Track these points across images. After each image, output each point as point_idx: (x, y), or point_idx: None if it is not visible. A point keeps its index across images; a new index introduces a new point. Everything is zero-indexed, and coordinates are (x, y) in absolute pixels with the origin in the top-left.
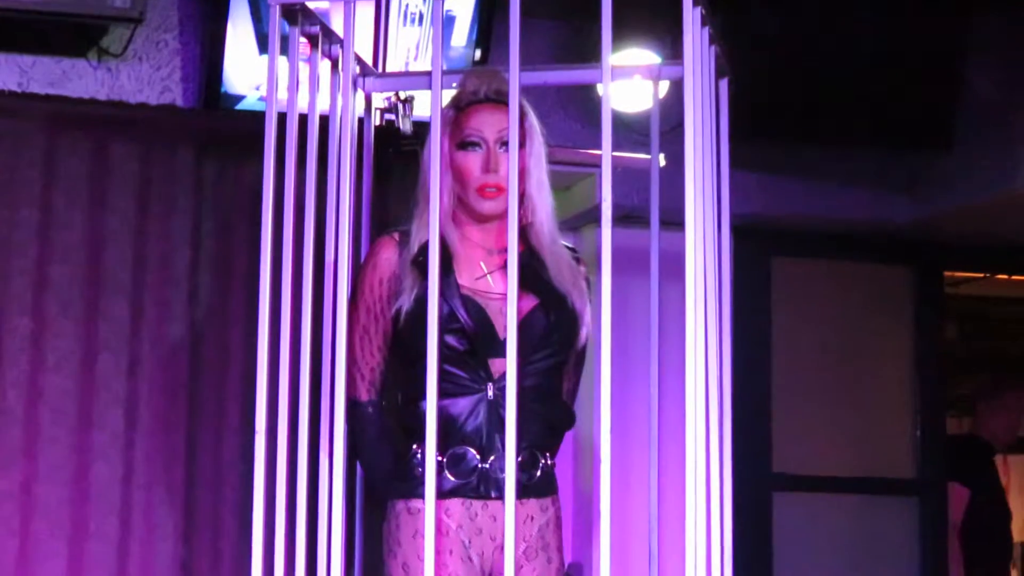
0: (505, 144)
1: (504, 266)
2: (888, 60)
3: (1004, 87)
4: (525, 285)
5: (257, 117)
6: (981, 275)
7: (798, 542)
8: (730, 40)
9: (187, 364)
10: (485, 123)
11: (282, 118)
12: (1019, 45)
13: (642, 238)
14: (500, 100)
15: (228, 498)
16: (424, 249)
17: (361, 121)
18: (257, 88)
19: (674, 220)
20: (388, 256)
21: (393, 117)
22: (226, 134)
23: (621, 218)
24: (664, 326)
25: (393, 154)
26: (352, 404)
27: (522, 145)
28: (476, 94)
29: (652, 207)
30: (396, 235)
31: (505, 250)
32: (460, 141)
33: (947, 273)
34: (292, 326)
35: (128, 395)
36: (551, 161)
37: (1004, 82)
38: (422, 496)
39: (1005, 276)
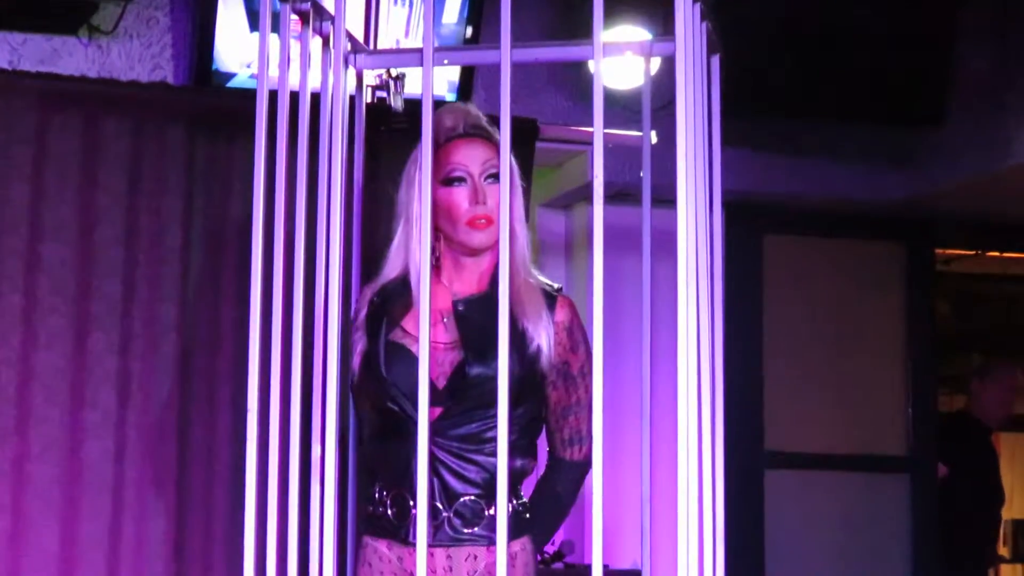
0: (490, 177)
1: (450, 315)
2: (880, 36)
3: (996, 63)
4: (462, 336)
5: (248, 94)
6: (972, 253)
7: (790, 519)
8: (722, 16)
9: (179, 342)
10: (468, 157)
11: (273, 95)
12: (1010, 20)
13: (633, 216)
14: (479, 134)
15: (220, 475)
16: (382, 291)
17: (352, 98)
18: (248, 65)
19: (665, 197)
20: (358, 307)
21: (384, 94)
22: (217, 112)
23: (612, 196)
24: (656, 304)
25: (384, 131)
26: None
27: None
28: (455, 129)
29: (644, 184)
30: (377, 287)
31: (464, 301)
32: (444, 177)
33: (939, 251)
34: (284, 305)
35: (120, 373)
36: (542, 138)
37: (996, 58)
38: (370, 533)
39: (996, 254)
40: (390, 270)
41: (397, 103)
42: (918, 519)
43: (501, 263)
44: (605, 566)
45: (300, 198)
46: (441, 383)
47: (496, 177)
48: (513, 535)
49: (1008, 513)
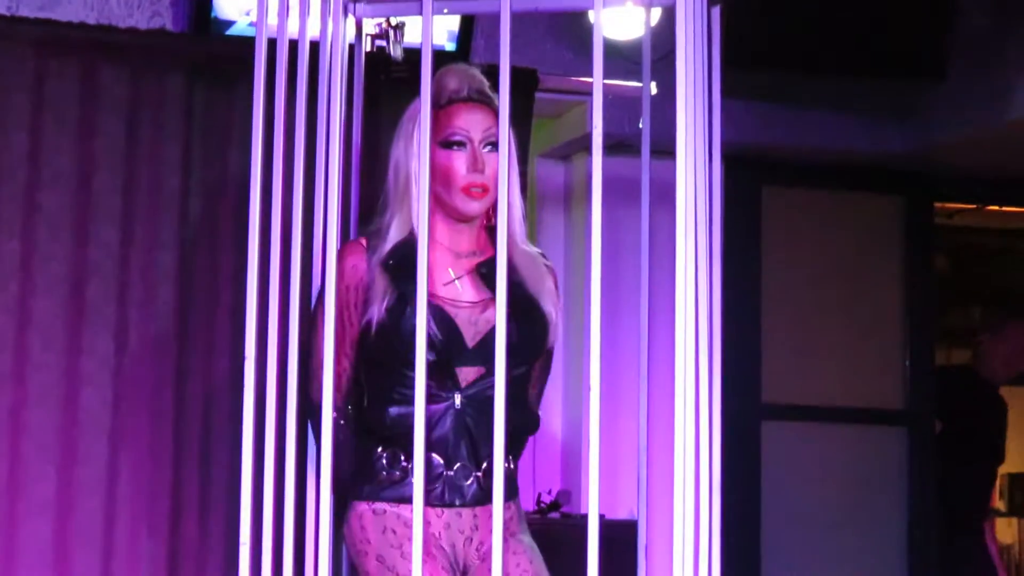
0: (489, 145)
1: (473, 271)
2: None
3: (997, 16)
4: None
5: (247, 43)
6: (973, 206)
7: (787, 471)
8: None
9: (177, 290)
10: (469, 122)
11: (272, 44)
12: None
13: (632, 167)
14: (482, 100)
15: (218, 423)
16: (394, 253)
17: (351, 47)
18: (247, 13)
19: (665, 149)
20: (355, 263)
21: (384, 43)
22: (216, 60)
23: (612, 147)
24: (654, 255)
25: (384, 80)
26: (315, 407)
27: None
28: (459, 92)
29: (643, 135)
30: (363, 240)
31: (474, 253)
32: (444, 140)
33: (938, 205)
34: (282, 253)
35: (118, 320)
36: (542, 89)
37: (997, 11)
38: (387, 499)
39: (996, 207)
40: (396, 232)
41: (396, 52)
42: (914, 472)
43: (499, 230)
44: (601, 516)
45: (299, 147)
46: (473, 343)
47: (495, 146)
48: (511, 495)
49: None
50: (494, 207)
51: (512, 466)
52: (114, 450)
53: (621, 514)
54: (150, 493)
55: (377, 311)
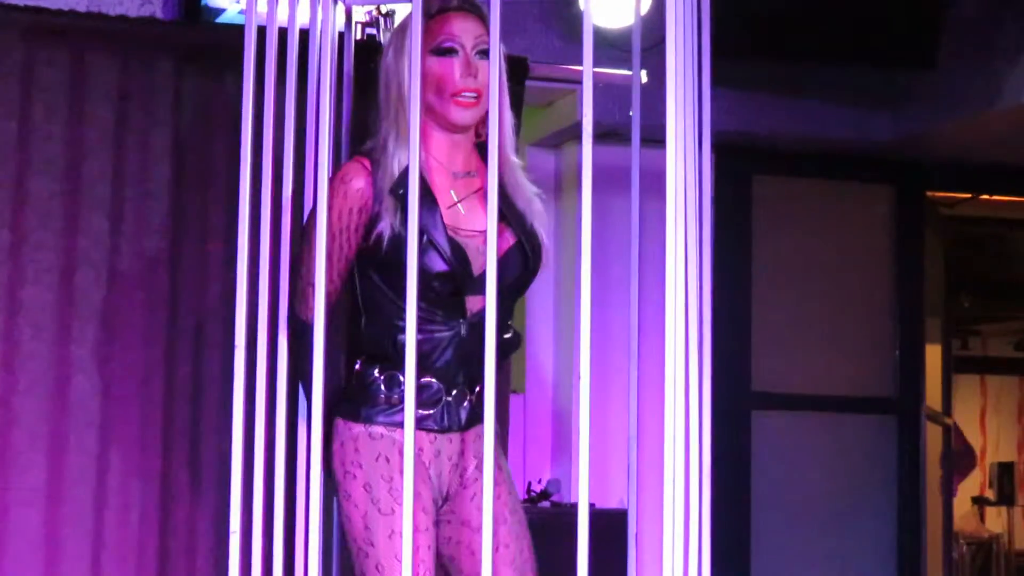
0: (480, 52)
1: (473, 193)
2: None
3: (987, 6)
4: (502, 218)
5: (237, 30)
6: (969, 196)
7: (777, 460)
8: None
9: (167, 278)
10: (462, 29)
11: (261, 32)
12: None
13: (621, 155)
14: (471, 10)
15: (207, 412)
16: (403, 180)
17: (341, 35)
18: (237, 1)
19: (655, 137)
20: (360, 188)
21: (374, 31)
22: (206, 47)
23: (601, 135)
24: (644, 244)
25: (373, 69)
26: (302, 325)
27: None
28: (449, 1)
29: (634, 124)
30: (366, 162)
31: (470, 174)
32: (435, 47)
33: (938, 194)
34: (272, 241)
35: (107, 309)
36: (532, 77)
37: (987, 1)
38: (384, 423)
39: (987, 196)
40: (395, 148)
41: (386, 40)
42: (904, 461)
43: (490, 165)
44: (591, 505)
45: (288, 135)
46: (479, 271)
47: (486, 54)
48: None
49: (993, 456)
50: (484, 120)
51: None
52: (104, 438)
53: (611, 503)
54: (140, 481)
55: (388, 226)
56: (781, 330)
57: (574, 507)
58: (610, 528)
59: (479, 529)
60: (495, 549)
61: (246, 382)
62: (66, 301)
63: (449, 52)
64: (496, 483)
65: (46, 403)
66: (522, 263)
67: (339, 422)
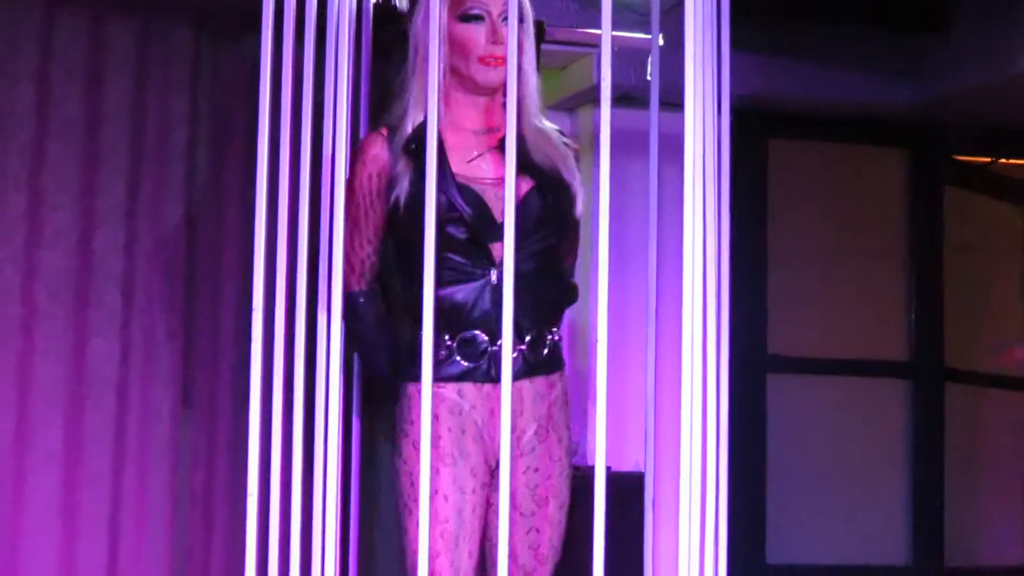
0: (506, 18)
1: (495, 147)
2: None
3: None
4: (520, 167)
5: None
6: (988, 160)
7: (792, 423)
8: None
9: (184, 243)
10: None
11: None
12: None
13: (638, 119)
14: None
15: (224, 376)
16: (416, 136)
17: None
18: None
19: (673, 101)
20: (376, 152)
21: None
22: (224, 12)
23: (619, 99)
24: (662, 208)
25: (392, 32)
26: (346, 296)
27: (521, 20)
28: None
29: (652, 87)
30: (383, 130)
31: (494, 130)
32: (462, 13)
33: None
34: (289, 205)
35: (125, 273)
36: (549, 40)
37: None
38: (432, 378)
39: (1004, 160)
40: (415, 111)
41: (403, 3)
42: (919, 425)
43: (508, 121)
44: (608, 468)
45: (307, 99)
46: (502, 217)
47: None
48: (558, 366)
49: None
50: (520, 80)
51: (556, 338)
52: (121, 401)
53: (628, 466)
54: (157, 445)
55: (403, 188)
56: (797, 293)
57: (591, 470)
58: (627, 491)
59: (519, 509)
60: (526, 531)
61: (264, 345)
62: (83, 265)
63: (476, 19)
64: (551, 459)
65: (63, 366)
66: (542, 206)
67: (402, 385)
